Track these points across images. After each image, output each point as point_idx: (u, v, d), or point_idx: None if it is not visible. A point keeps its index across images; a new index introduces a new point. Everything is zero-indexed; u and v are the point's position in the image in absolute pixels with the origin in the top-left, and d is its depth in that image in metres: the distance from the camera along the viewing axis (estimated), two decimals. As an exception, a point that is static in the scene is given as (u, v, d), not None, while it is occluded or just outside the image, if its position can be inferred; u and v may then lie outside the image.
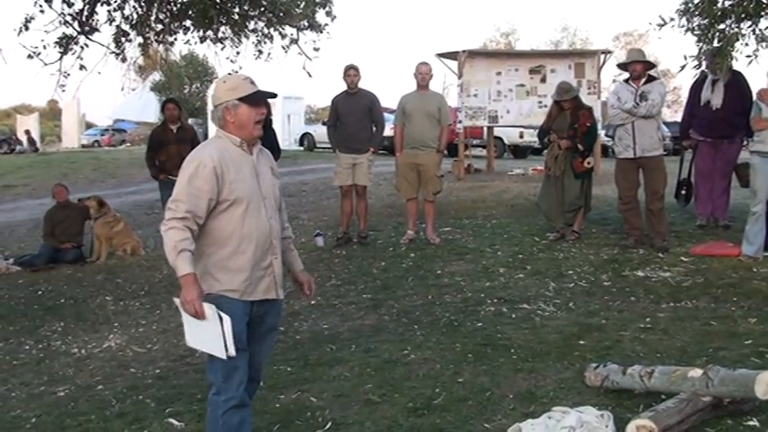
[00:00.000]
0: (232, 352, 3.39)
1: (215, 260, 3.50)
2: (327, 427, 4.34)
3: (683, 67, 7.72)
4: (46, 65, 10.32)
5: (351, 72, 9.27)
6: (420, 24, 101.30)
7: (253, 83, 3.58)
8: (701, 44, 7.66)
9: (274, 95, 3.72)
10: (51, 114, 51.86)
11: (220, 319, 3.36)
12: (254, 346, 3.65)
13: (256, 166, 3.59)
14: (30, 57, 10.14)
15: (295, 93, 32.26)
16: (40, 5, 10.17)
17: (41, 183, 18.71)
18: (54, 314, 7.70)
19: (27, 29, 10.05)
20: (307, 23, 11.34)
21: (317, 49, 11.44)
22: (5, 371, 6.07)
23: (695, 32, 7.64)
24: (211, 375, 3.58)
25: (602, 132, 16.62)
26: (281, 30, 11.44)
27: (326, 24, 11.42)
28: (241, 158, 3.54)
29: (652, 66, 8.57)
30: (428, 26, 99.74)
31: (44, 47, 10.25)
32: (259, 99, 3.56)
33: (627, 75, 8.54)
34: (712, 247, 7.94)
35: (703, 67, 8.31)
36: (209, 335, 3.41)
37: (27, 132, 35.48)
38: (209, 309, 3.36)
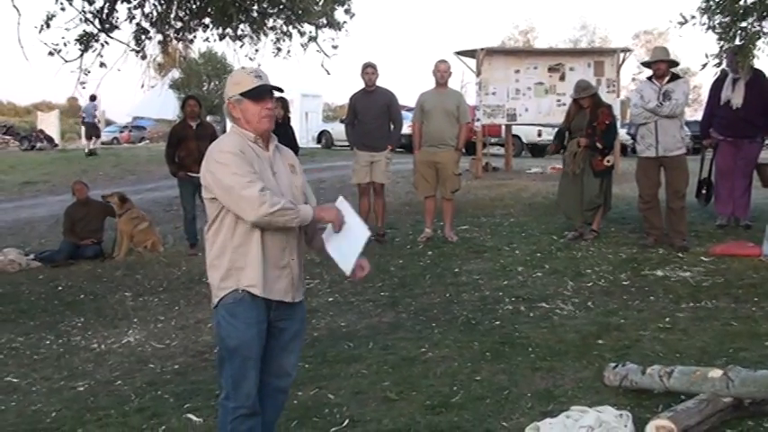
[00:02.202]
0: (348, 271, 3.55)
1: (241, 253, 3.39)
2: (345, 424, 4.35)
3: (704, 66, 7.69)
4: (66, 62, 10.38)
5: (369, 70, 9.27)
6: (438, 22, 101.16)
7: (259, 76, 3.43)
8: (722, 42, 7.61)
9: (279, 89, 3.53)
10: (71, 111, 52.16)
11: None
12: (279, 356, 3.57)
13: (273, 163, 3.50)
14: (51, 54, 10.21)
15: (313, 90, 32.29)
16: (62, 3, 10.23)
17: (62, 179, 18.83)
18: (74, 309, 7.76)
19: (48, 26, 10.12)
20: (325, 21, 11.33)
21: (335, 47, 11.44)
22: (26, 365, 6.13)
23: (716, 30, 7.59)
24: (222, 380, 3.54)
25: (622, 131, 16.54)
26: (299, 27, 11.44)
27: (345, 22, 11.41)
28: (258, 155, 3.45)
29: (676, 64, 8.49)
30: (447, 24, 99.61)
31: (65, 44, 10.31)
32: (262, 94, 3.42)
33: (648, 72, 8.48)
34: (733, 247, 7.88)
35: (724, 66, 8.25)
36: (350, 244, 3.55)
37: (41, 132, 35.73)
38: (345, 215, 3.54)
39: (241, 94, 3.42)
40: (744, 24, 7.52)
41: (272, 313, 3.49)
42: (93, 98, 26.73)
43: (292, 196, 3.49)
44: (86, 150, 25.70)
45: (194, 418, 4.60)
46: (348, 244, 3.54)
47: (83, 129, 27.72)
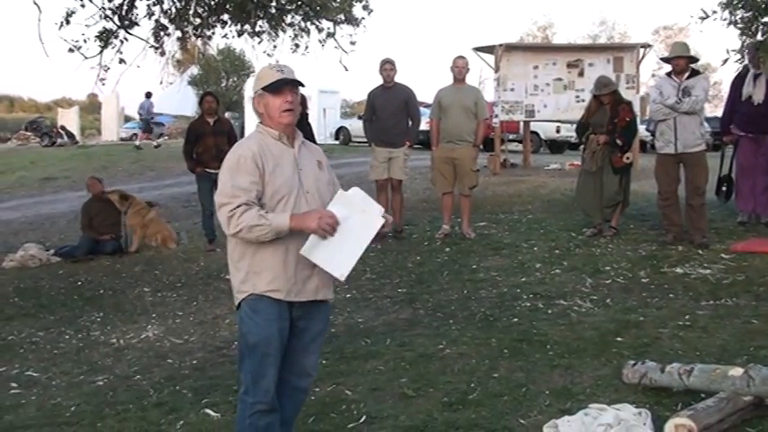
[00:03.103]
0: (343, 275, 3.38)
1: (258, 258, 3.38)
2: (362, 420, 4.34)
3: (725, 61, 7.63)
4: (86, 58, 10.47)
5: (387, 66, 9.26)
6: (456, 18, 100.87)
7: (281, 71, 3.46)
8: (744, 38, 7.54)
9: (300, 83, 3.49)
10: (91, 108, 52.52)
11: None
12: (300, 355, 3.56)
13: (298, 159, 3.48)
14: (71, 51, 10.30)
15: (331, 87, 32.29)
16: (81, 0, 10.31)
17: (81, 175, 18.93)
18: (93, 304, 7.81)
19: (68, 23, 10.20)
20: (343, 17, 11.36)
21: (353, 43, 11.47)
22: (46, 360, 6.17)
23: (738, 26, 7.52)
24: (242, 375, 3.54)
25: (641, 127, 16.43)
26: (317, 23, 11.47)
27: (363, 18, 11.45)
28: (281, 152, 3.44)
29: (695, 60, 8.40)
30: (465, 20, 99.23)
31: (85, 41, 10.41)
32: (280, 87, 3.42)
33: (668, 68, 8.41)
34: (753, 245, 7.82)
35: (746, 62, 8.16)
36: (350, 246, 3.35)
37: (62, 128, 36.05)
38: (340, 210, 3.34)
39: (263, 89, 3.44)
40: (766, 19, 7.44)
41: (295, 312, 3.47)
42: (148, 95, 27.25)
43: (317, 192, 3.49)
44: (154, 144, 26.29)
45: (212, 413, 4.61)
46: (347, 246, 3.36)
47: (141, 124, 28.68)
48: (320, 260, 3.36)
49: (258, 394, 3.45)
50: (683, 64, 8.07)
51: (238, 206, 3.27)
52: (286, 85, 3.44)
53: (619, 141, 8.44)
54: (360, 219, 3.39)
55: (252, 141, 3.46)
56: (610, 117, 8.48)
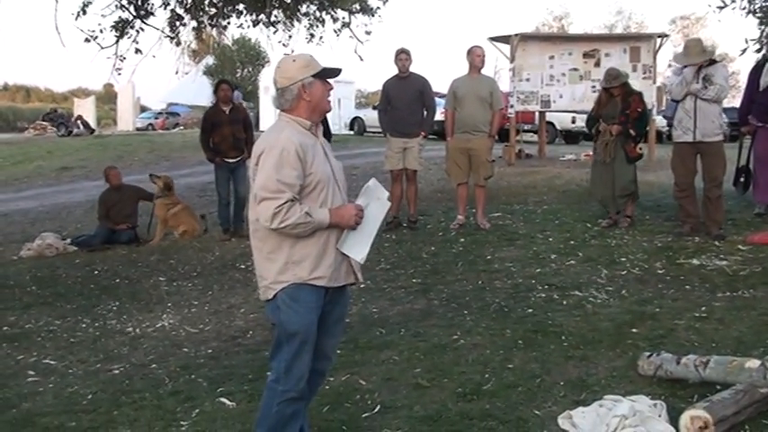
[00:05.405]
0: (362, 258, 3.55)
1: (299, 248, 3.39)
2: (376, 410, 4.35)
3: (743, 51, 7.56)
4: (102, 48, 10.53)
5: (402, 56, 9.23)
6: (472, 8, 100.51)
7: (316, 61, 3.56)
8: (762, 27, 7.48)
9: (338, 73, 3.62)
10: (107, 98, 52.80)
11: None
12: (322, 339, 3.56)
13: (324, 148, 3.54)
14: (87, 41, 10.37)
15: (346, 77, 32.20)
16: (98, -10, 10.36)
17: (98, 165, 19.05)
18: (109, 293, 7.86)
19: (85, 13, 10.26)
20: (359, 7, 11.36)
21: (368, 33, 11.49)
22: (63, 348, 6.22)
23: (757, 15, 7.46)
24: (274, 362, 3.53)
25: (658, 117, 16.31)
26: (333, 13, 11.48)
27: (378, 8, 11.45)
28: (313, 142, 3.48)
29: (713, 62, 8.28)
30: (480, 10, 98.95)
31: (101, 31, 10.47)
32: (331, 74, 3.54)
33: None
34: (771, 236, 7.74)
35: (764, 51, 8.08)
36: (366, 232, 3.55)
37: (79, 117, 36.23)
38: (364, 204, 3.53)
39: (313, 76, 3.47)
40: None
41: (328, 297, 3.51)
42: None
43: (342, 180, 3.60)
44: None
45: (227, 401, 4.64)
46: (364, 233, 3.53)
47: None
48: (347, 249, 3.51)
49: (290, 382, 3.47)
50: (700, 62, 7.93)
51: (285, 202, 3.29)
52: (334, 72, 3.57)
53: (632, 132, 8.40)
54: (375, 205, 3.58)
55: (290, 133, 3.42)
56: (621, 108, 8.43)
